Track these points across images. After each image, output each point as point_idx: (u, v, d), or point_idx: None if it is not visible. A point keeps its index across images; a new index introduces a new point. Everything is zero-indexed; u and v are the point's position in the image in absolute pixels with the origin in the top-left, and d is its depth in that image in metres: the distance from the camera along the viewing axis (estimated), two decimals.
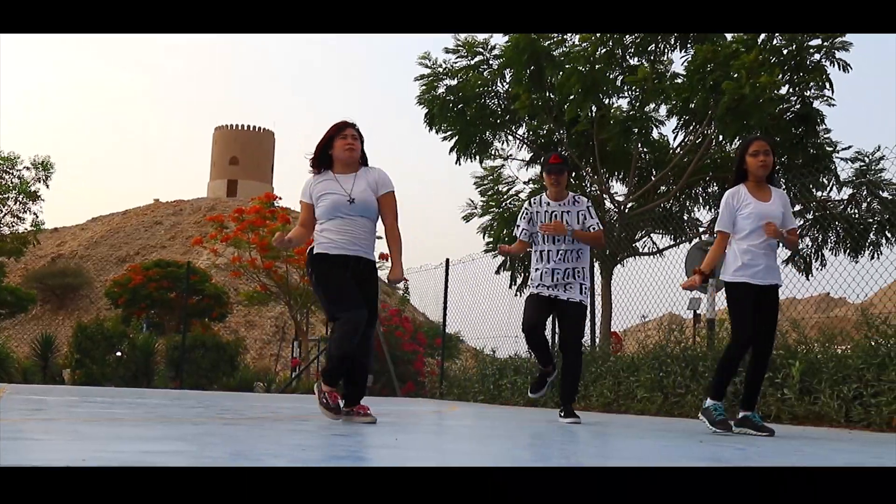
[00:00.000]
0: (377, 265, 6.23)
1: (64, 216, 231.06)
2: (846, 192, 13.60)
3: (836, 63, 13.21)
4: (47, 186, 35.23)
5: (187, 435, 4.15)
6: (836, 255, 13.72)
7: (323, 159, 6.06)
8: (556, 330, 7.55)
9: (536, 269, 7.29)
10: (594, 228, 7.26)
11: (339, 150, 5.98)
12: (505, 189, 15.81)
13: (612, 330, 14.18)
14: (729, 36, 13.78)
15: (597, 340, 13.44)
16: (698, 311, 12.79)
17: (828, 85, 13.43)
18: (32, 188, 34.60)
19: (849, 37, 13.11)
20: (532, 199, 7.48)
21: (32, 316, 66.56)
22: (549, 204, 7.29)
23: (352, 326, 5.63)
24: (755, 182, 6.15)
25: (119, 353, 21.71)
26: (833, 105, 13.62)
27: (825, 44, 13.10)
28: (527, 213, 7.37)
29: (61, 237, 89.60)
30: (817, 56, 13.24)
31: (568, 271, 7.21)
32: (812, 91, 13.66)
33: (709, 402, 6.13)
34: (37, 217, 35.63)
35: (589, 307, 8.55)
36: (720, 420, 5.96)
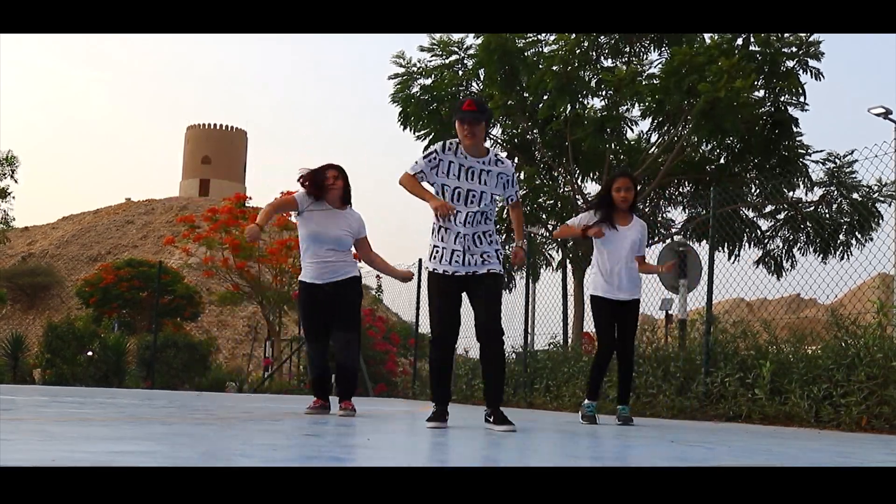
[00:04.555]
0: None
1: (35, 215, 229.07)
2: (817, 192, 13.74)
3: (808, 71, 13.36)
4: (15, 181, 34.98)
5: (157, 435, 4.13)
6: (805, 256, 13.86)
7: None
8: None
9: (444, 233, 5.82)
10: (515, 198, 6.08)
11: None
12: None
13: (584, 330, 14.23)
14: (707, 38, 13.88)
15: (569, 341, 13.49)
16: (670, 312, 12.84)
17: (801, 90, 13.57)
18: (0, 184, 34.35)
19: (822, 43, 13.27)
20: (448, 144, 5.82)
21: (2, 315, 66.07)
22: (466, 157, 5.75)
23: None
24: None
25: (90, 353, 21.56)
26: (807, 110, 13.76)
27: (798, 51, 13.23)
28: (435, 159, 5.77)
29: (32, 236, 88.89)
30: (791, 63, 13.37)
31: (477, 236, 5.80)
32: (786, 97, 13.79)
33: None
34: (6, 215, 35.38)
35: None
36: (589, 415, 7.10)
